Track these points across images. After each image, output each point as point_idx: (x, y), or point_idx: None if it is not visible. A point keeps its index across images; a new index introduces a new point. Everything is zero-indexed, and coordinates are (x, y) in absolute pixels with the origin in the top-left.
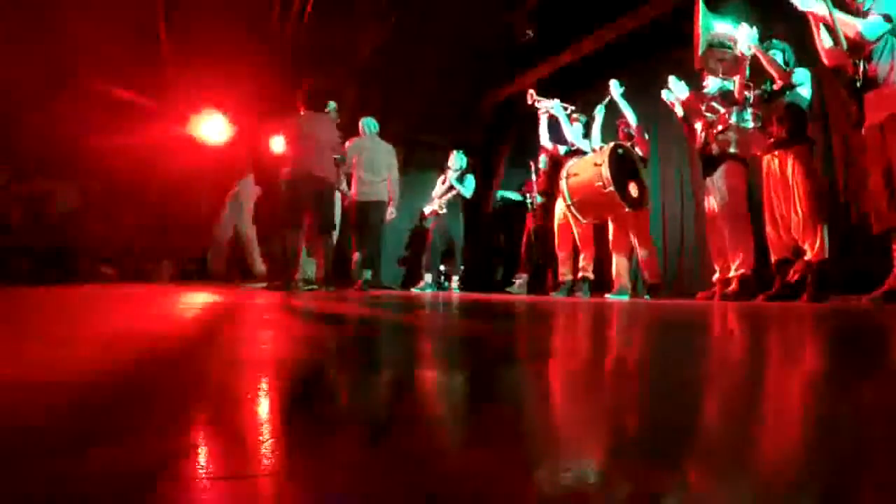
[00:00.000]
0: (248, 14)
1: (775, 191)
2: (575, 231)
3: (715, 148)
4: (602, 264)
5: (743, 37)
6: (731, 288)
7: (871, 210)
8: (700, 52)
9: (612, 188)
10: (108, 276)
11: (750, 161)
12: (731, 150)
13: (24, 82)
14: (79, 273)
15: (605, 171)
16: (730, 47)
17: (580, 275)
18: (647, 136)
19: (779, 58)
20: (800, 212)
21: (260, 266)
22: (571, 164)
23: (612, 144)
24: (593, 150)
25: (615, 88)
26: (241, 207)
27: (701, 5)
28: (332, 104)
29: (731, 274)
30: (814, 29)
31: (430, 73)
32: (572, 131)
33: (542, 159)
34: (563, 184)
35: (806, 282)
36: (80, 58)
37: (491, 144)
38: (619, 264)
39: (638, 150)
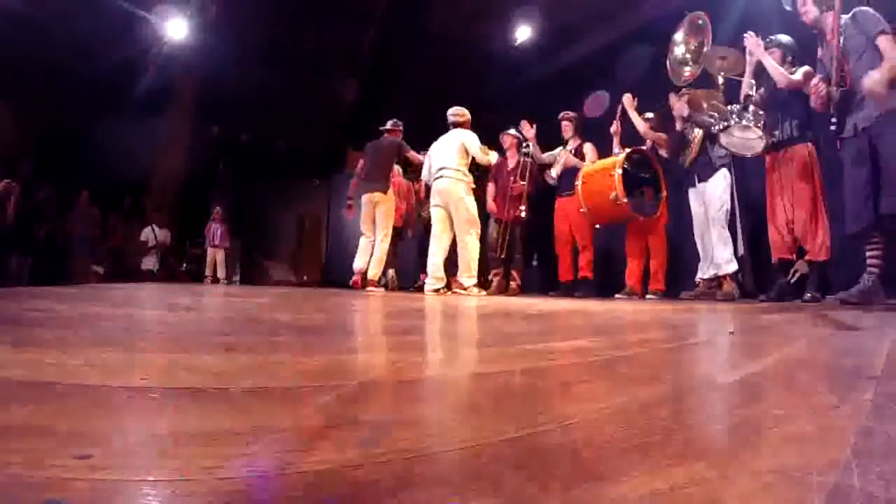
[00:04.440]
0: None
1: (778, 190)
2: (575, 231)
3: (710, 153)
4: (601, 265)
5: (749, 42)
6: (725, 288)
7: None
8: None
9: (624, 200)
10: (98, 275)
11: (751, 161)
12: (734, 149)
13: None
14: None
15: (618, 184)
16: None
17: (580, 274)
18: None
19: (777, 55)
20: (802, 211)
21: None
22: (586, 169)
23: (626, 152)
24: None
25: (628, 102)
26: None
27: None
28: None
29: (722, 273)
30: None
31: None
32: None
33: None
34: (577, 189)
35: (806, 282)
36: None
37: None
38: (635, 267)
39: (662, 152)
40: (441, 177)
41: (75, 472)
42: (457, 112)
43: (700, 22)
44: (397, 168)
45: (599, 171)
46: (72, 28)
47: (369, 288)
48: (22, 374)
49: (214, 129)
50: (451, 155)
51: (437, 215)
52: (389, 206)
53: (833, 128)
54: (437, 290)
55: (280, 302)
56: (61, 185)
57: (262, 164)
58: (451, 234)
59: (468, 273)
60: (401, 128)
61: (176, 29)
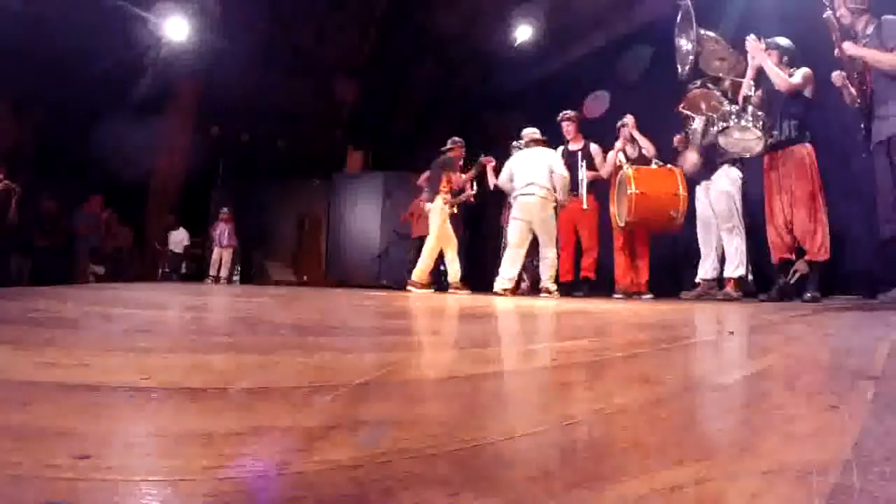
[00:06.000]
0: None
1: (776, 191)
2: (579, 231)
3: (716, 147)
4: (602, 266)
5: (749, 45)
6: (727, 289)
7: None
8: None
9: (682, 220)
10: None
11: (751, 161)
12: (732, 149)
13: None
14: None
15: (683, 204)
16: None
17: (582, 275)
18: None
19: (774, 57)
20: (801, 212)
21: None
22: (637, 176)
23: (681, 170)
24: (658, 164)
25: (631, 122)
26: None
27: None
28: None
29: (727, 276)
30: None
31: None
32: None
33: None
34: (631, 199)
35: (806, 282)
36: None
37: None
38: (626, 266)
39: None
40: (531, 193)
41: (75, 472)
42: (534, 131)
43: (682, 9)
44: None
45: (657, 184)
46: (72, 28)
47: (414, 289)
48: (23, 374)
49: (214, 129)
50: (542, 173)
51: (518, 228)
52: (435, 213)
53: (863, 133)
54: (505, 290)
55: (281, 302)
56: (61, 185)
57: (262, 164)
58: (527, 247)
59: (551, 280)
60: (452, 146)
61: (176, 29)
